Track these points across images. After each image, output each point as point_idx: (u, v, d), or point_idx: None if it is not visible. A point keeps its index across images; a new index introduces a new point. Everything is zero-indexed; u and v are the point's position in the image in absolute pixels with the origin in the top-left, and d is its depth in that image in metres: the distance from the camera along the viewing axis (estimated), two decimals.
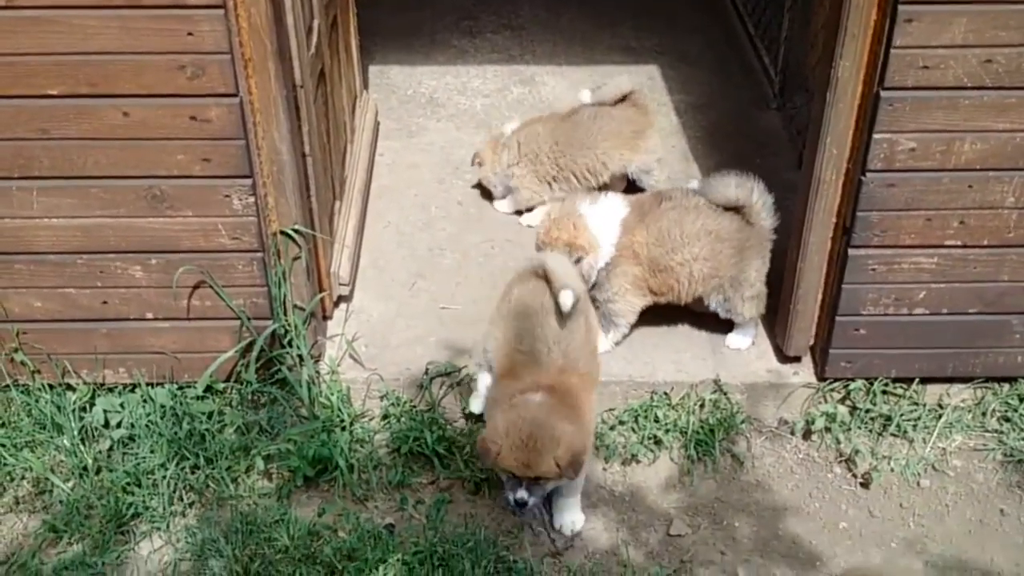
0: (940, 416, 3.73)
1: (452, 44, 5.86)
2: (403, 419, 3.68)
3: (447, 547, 3.29)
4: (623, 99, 4.40)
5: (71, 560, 3.29)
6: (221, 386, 3.67)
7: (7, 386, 3.63)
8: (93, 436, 3.62)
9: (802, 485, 3.63)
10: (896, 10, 2.99)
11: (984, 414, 3.75)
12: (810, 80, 4.54)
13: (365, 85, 5.08)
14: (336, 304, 4.00)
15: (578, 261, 3.62)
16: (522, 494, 3.12)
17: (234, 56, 3.06)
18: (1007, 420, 3.74)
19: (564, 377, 3.22)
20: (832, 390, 3.77)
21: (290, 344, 3.59)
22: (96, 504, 3.43)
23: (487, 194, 4.66)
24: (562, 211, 3.73)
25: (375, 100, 5.14)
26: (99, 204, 3.30)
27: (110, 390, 3.68)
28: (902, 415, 3.70)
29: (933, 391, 3.78)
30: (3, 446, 3.54)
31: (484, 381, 3.59)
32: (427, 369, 3.78)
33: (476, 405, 3.65)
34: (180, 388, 3.67)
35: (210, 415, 3.62)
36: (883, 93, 3.13)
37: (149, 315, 3.53)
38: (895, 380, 3.74)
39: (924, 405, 3.74)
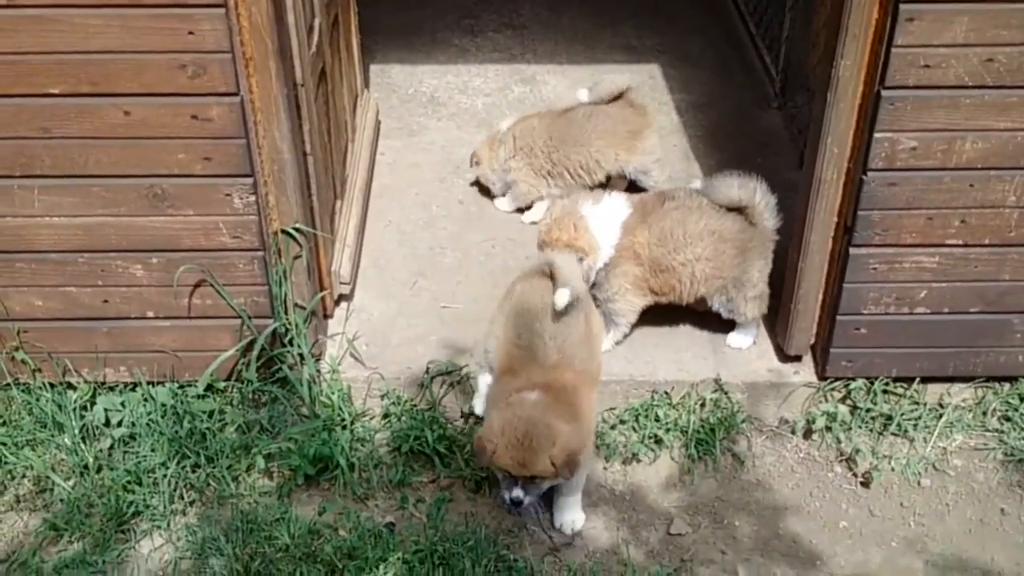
0: (941, 415, 3.73)
1: (453, 43, 5.86)
2: (404, 418, 3.68)
3: (447, 546, 3.29)
4: (619, 97, 4.40)
5: (72, 558, 3.30)
6: (222, 385, 3.67)
7: (8, 385, 3.63)
8: (94, 435, 3.62)
9: (803, 484, 3.63)
10: (897, 9, 2.98)
11: (985, 413, 3.75)
12: (811, 79, 4.54)
13: (366, 84, 5.09)
14: (337, 303, 4.01)
15: (580, 260, 3.62)
16: (518, 493, 3.12)
17: (235, 55, 3.06)
18: (1008, 420, 3.74)
19: (559, 373, 3.22)
20: (833, 389, 3.77)
21: (291, 343, 3.59)
22: (97, 502, 3.43)
23: (488, 193, 4.67)
24: (563, 211, 3.73)
25: (376, 99, 5.14)
26: (100, 203, 3.30)
27: (111, 389, 3.69)
28: (903, 414, 3.70)
29: (934, 390, 3.78)
30: (4, 444, 3.55)
31: (484, 381, 3.59)
32: (428, 368, 3.78)
33: (478, 406, 3.65)
34: (181, 387, 3.67)
35: (211, 414, 3.62)
36: (884, 92, 3.13)
37: (150, 314, 3.53)
38: (896, 379, 3.74)
39: (925, 404, 3.74)
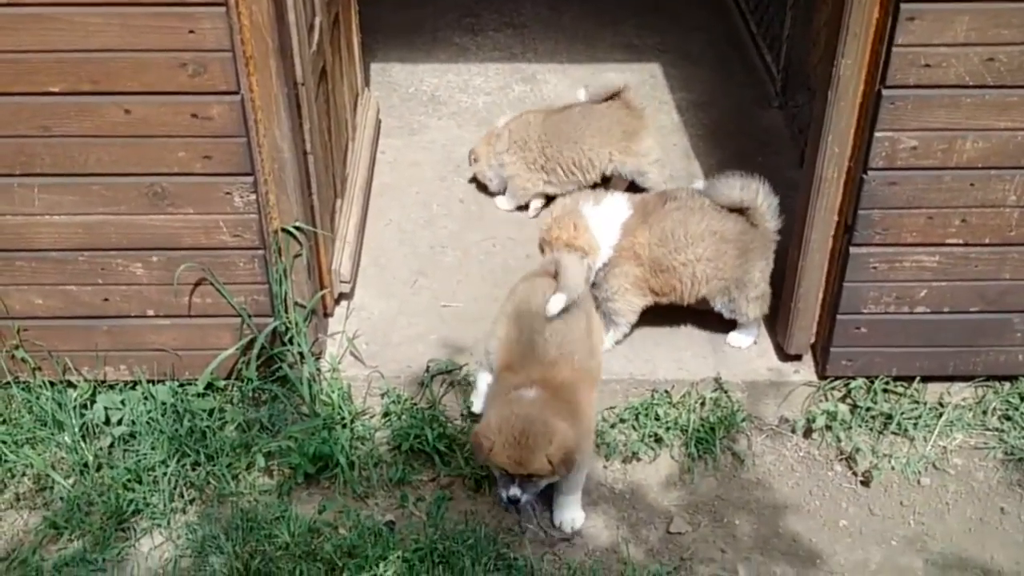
0: (941, 414, 3.73)
1: (454, 42, 5.86)
2: (404, 416, 3.68)
3: (447, 544, 3.29)
4: (615, 97, 4.39)
5: (71, 557, 3.30)
6: (222, 383, 3.67)
7: (8, 383, 3.64)
8: (94, 433, 3.62)
9: (802, 483, 3.63)
10: (898, 8, 2.98)
11: (985, 412, 3.75)
12: (812, 78, 4.54)
13: (367, 83, 5.09)
14: (337, 301, 4.01)
15: (581, 259, 3.61)
16: (515, 491, 3.12)
17: (235, 54, 3.06)
18: (1008, 419, 3.74)
19: (556, 371, 3.22)
20: (833, 388, 3.77)
21: (291, 341, 3.59)
22: (97, 501, 3.43)
23: (488, 192, 4.67)
24: (564, 210, 3.73)
25: (377, 98, 5.14)
26: (100, 201, 3.30)
27: (111, 387, 3.69)
28: (903, 413, 3.70)
29: (934, 389, 3.78)
30: (4, 443, 3.55)
31: (484, 380, 3.59)
32: (428, 367, 3.78)
33: (477, 405, 3.65)
34: (181, 385, 3.67)
35: (211, 412, 3.62)
36: (885, 91, 3.13)
37: (150, 312, 3.53)
38: (896, 378, 3.74)
39: (925, 403, 3.74)
